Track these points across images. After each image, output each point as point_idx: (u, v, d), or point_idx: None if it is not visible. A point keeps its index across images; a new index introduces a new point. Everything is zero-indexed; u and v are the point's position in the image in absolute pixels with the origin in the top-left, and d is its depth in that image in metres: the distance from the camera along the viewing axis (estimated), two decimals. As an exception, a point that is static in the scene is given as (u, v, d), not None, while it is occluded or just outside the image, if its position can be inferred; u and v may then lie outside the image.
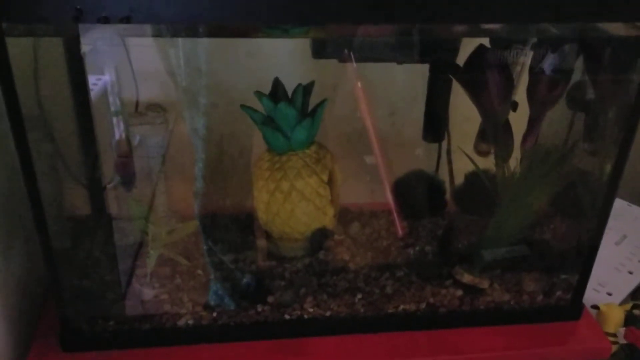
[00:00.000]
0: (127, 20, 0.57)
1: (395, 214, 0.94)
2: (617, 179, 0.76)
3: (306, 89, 0.83)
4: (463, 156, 0.91)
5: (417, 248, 0.88)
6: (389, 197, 0.91)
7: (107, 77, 0.71)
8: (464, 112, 0.91)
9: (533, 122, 0.79)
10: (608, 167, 0.78)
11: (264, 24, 0.63)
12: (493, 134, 0.81)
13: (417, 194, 0.92)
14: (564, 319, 0.84)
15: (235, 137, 0.92)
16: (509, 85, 0.76)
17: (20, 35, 0.59)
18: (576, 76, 0.82)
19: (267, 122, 0.83)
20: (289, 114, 0.81)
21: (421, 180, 0.92)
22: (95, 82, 0.81)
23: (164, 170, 0.85)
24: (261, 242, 0.88)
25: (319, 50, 0.83)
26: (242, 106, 0.82)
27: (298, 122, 0.82)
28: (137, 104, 0.87)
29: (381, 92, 0.94)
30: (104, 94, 0.74)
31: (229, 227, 0.91)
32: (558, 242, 0.83)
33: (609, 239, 1.16)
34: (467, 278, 0.82)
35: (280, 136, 0.83)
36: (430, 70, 0.86)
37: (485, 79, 0.74)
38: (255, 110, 0.83)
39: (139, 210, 0.81)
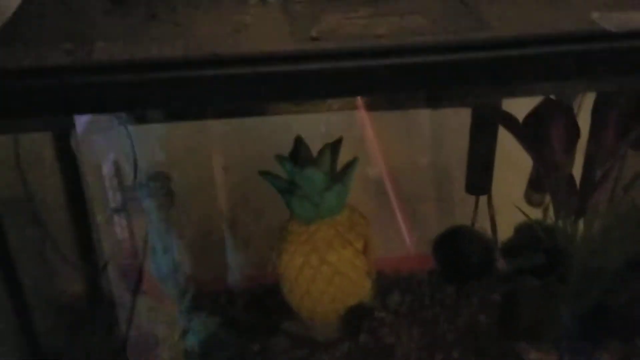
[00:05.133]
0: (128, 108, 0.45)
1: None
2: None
3: (334, 148, 0.72)
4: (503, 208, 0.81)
5: (470, 319, 0.77)
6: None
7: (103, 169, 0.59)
8: (506, 158, 0.81)
9: (602, 175, 0.68)
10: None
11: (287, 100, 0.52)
12: (554, 188, 0.70)
13: (461, 253, 0.81)
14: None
15: (250, 203, 0.80)
16: (576, 137, 0.66)
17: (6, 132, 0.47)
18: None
19: (291, 189, 0.71)
20: (317, 178, 0.70)
21: (465, 237, 0.81)
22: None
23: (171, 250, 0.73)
24: (289, 326, 0.76)
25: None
26: (261, 172, 0.71)
27: (327, 187, 0.71)
28: (135, 171, 0.76)
29: (418, 140, 0.83)
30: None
31: (252, 308, 0.79)
32: (636, 305, 0.73)
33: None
34: (534, 355, 0.71)
35: (307, 204, 0.71)
36: (473, 117, 0.75)
37: (549, 133, 0.64)
38: (276, 176, 0.71)
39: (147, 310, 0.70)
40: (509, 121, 0.68)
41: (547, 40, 0.50)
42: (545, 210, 0.77)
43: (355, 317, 0.75)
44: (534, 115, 0.65)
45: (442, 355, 0.73)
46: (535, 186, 0.78)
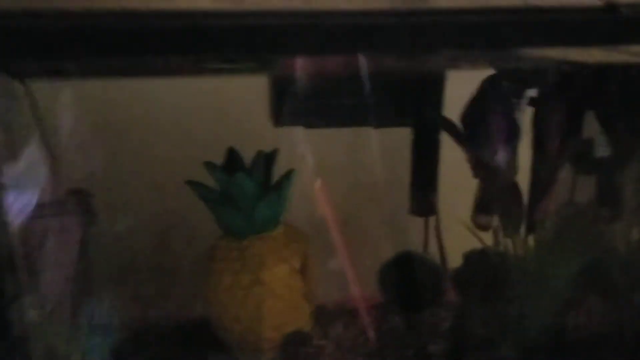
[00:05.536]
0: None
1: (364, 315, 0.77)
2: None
3: (268, 158, 0.68)
4: (450, 233, 0.77)
5: (420, 350, 0.70)
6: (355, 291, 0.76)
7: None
8: (453, 180, 0.78)
9: (548, 185, 0.65)
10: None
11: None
12: (498, 199, 0.66)
13: (410, 281, 0.75)
14: None
15: (182, 223, 0.74)
16: (517, 137, 0.63)
17: None
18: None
19: (222, 200, 0.66)
20: (249, 187, 0.65)
21: (412, 264, 0.76)
22: None
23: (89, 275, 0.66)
24: (218, 356, 0.68)
25: (281, 117, 0.70)
26: (189, 182, 0.66)
27: (260, 197, 0.66)
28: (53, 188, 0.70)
29: (357, 161, 0.79)
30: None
31: (175, 338, 0.71)
32: (593, 326, 0.67)
33: None
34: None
35: (238, 216, 0.66)
36: (415, 132, 0.73)
37: (490, 131, 0.61)
38: (205, 187, 0.67)
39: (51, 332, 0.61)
40: (449, 126, 0.65)
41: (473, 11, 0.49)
42: (495, 233, 0.73)
43: (293, 346, 0.67)
44: (471, 106, 0.62)
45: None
46: (482, 208, 0.74)
